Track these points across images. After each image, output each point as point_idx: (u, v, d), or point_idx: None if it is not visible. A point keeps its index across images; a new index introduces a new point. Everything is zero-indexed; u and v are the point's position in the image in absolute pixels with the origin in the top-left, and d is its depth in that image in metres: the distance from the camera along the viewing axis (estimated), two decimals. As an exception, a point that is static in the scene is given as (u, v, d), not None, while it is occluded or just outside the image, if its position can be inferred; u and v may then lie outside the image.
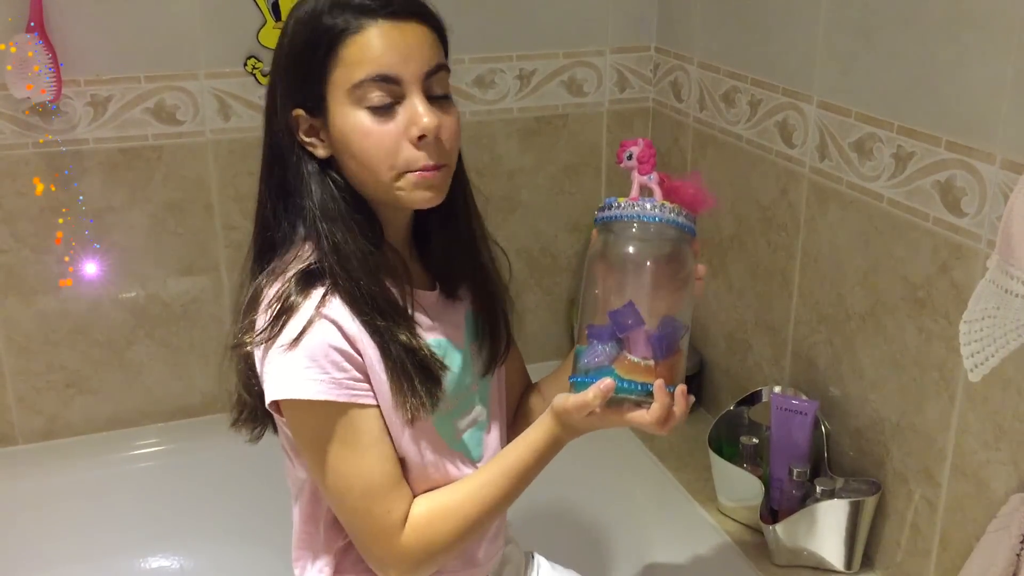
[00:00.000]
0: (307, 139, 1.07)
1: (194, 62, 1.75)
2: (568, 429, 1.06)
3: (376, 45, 1.01)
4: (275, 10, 1.76)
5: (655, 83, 2.02)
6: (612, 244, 1.07)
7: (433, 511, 1.07)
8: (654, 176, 1.08)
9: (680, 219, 1.04)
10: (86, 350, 1.84)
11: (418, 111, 1.03)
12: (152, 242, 1.82)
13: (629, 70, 2.01)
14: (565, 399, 1.04)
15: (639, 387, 1.01)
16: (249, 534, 1.74)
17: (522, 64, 1.94)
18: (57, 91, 1.64)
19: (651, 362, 1.02)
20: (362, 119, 1.03)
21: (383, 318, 1.05)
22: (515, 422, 1.29)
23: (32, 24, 1.61)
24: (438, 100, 1.05)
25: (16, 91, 1.62)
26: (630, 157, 1.09)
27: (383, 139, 1.03)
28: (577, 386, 1.04)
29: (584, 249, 2.05)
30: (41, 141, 1.71)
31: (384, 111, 1.03)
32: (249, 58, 1.77)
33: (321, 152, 1.07)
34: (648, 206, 1.04)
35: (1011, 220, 0.99)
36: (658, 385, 1.01)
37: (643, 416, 1.02)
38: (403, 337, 1.06)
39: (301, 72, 1.05)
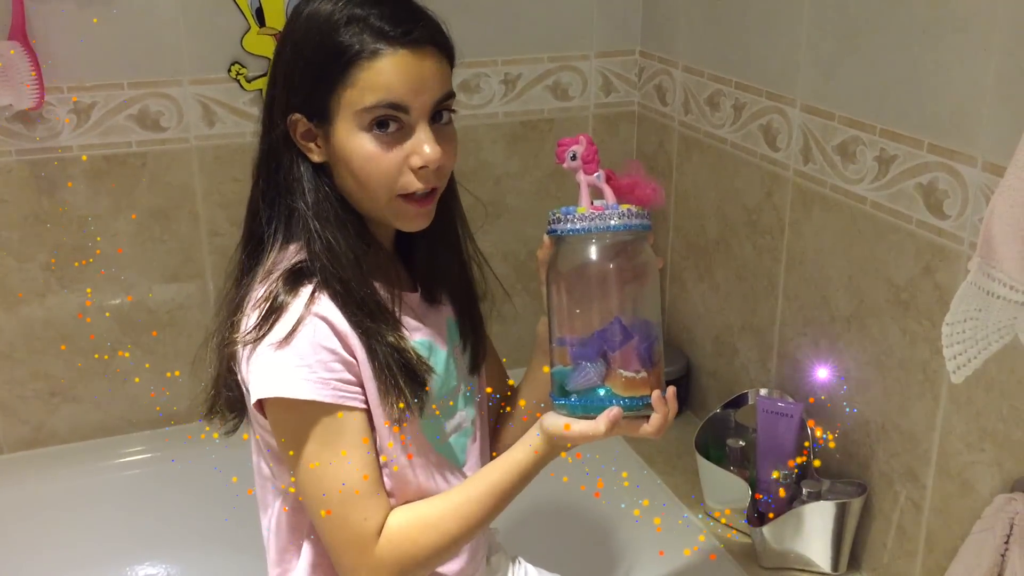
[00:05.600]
0: (303, 142, 1.06)
1: (178, 68, 1.75)
2: (558, 449, 1.05)
3: (390, 73, 1.01)
4: (259, 16, 1.75)
5: (640, 87, 2.02)
6: (579, 259, 1.04)
7: (411, 523, 1.05)
8: (601, 174, 1.05)
9: (641, 221, 1.03)
10: (71, 358, 1.83)
11: (422, 142, 1.03)
12: (137, 249, 1.82)
13: (614, 74, 2.01)
14: (563, 426, 1.01)
15: (639, 402, 1.01)
16: (236, 542, 1.72)
17: (507, 69, 1.94)
18: (40, 98, 1.63)
19: (644, 374, 1.01)
20: (367, 143, 1.03)
21: (372, 319, 1.04)
22: (501, 427, 1.29)
23: (14, 31, 1.60)
24: (441, 125, 1.06)
25: (-2, 98, 1.62)
26: (573, 157, 1.05)
27: (385, 165, 1.03)
28: (569, 408, 1.02)
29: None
30: (24, 149, 1.70)
31: (389, 137, 1.03)
32: (233, 64, 1.77)
33: (316, 157, 1.06)
34: (612, 217, 1.01)
35: (992, 222, 0.99)
36: (656, 396, 1.00)
37: (645, 429, 1.01)
38: (391, 338, 1.05)
39: (307, 79, 1.03)
